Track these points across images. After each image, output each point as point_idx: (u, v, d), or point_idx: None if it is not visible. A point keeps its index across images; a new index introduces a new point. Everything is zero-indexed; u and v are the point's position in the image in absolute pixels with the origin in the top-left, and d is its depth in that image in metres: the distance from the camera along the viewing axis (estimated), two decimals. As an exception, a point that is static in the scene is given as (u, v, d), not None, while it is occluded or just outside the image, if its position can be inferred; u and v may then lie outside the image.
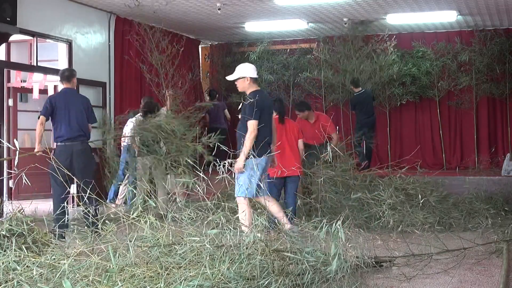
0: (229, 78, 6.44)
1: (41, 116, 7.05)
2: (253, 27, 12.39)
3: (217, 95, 13.03)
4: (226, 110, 12.80)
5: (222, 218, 4.55)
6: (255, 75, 6.30)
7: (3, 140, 8.68)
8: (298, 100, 12.68)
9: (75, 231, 4.91)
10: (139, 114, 8.98)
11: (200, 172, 5.44)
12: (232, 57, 13.97)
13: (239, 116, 6.38)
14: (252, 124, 6.10)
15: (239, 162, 6.07)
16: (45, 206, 8.70)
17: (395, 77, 12.40)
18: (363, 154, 11.15)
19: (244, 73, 6.28)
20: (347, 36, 12.57)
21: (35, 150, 7.03)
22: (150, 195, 7.63)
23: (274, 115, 7.35)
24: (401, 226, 6.77)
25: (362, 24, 12.14)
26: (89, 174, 7.03)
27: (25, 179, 5.90)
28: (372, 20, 11.97)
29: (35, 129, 10.03)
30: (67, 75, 7.31)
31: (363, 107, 11.30)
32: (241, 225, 5.15)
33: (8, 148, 6.65)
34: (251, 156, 6.02)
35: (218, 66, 14.23)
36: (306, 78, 13.13)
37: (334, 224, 4.44)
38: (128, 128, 9.01)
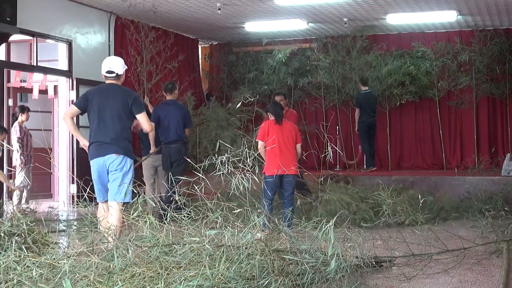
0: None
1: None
2: (253, 27, 12.39)
3: (213, 98, 13.37)
4: None
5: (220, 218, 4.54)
6: (103, 72, 5.88)
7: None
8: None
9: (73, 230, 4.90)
10: None
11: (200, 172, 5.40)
12: (232, 57, 13.97)
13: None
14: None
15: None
16: (45, 206, 8.71)
17: (395, 79, 12.41)
18: (370, 157, 11.42)
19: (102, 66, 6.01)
20: (343, 38, 12.65)
21: (151, 150, 8.48)
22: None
23: (271, 117, 7.31)
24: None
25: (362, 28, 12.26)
26: (179, 171, 8.08)
27: (25, 179, 5.91)
28: (369, 25, 12.10)
29: (35, 129, 10.08)
30: (170, 87, 8.58)
31: (367, 106, 11.43)
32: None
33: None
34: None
35: (218, 66, 14.23)
36: (306, 78, 13.13)
37: (330, 225, 4.43)
38: None
